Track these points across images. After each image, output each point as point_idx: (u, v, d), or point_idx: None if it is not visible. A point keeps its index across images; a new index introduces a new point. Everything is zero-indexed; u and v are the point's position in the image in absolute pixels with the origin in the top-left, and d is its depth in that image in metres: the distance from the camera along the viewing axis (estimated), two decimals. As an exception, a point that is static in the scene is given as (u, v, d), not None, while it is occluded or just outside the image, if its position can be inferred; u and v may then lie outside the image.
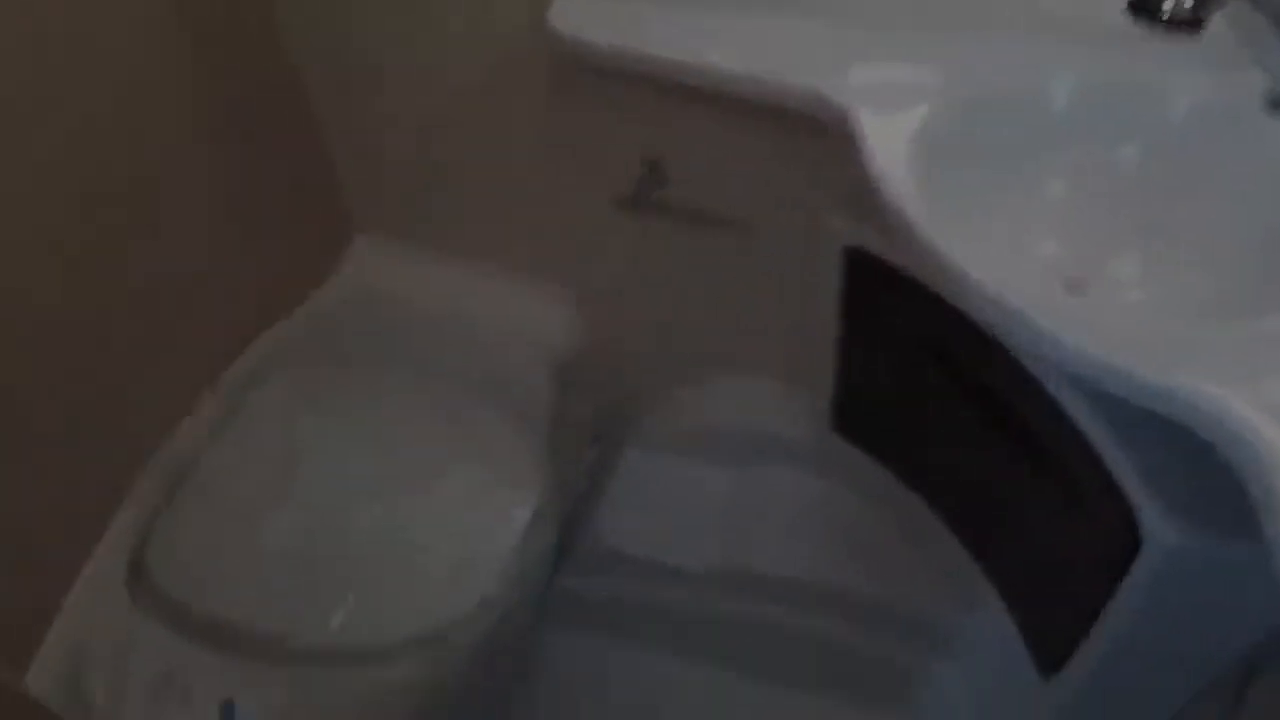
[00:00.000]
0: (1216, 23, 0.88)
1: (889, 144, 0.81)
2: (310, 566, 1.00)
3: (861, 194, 0.85)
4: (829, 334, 1.07)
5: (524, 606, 1.05)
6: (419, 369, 1.21)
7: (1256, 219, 0.78)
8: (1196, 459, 0.72)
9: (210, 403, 1.16)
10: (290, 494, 1.05)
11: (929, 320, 0.91)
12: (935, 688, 1.22)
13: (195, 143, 1.07)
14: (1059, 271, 0.83)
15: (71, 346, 0.96)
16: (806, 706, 1.31)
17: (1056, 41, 0.89)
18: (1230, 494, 0.69)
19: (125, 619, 0.98)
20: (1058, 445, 0.82)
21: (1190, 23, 0.88)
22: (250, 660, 0.95)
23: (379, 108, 1.21)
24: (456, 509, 1.05)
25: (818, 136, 0.95)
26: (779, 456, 1.27)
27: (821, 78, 0.87)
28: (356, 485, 1.06)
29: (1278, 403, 0.59)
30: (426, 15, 1.09)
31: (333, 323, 1.30)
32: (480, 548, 1.02)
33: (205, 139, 1.09)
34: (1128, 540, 0.74)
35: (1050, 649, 0.91)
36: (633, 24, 0.94)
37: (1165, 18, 0.88)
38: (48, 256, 0.91)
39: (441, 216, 1.31)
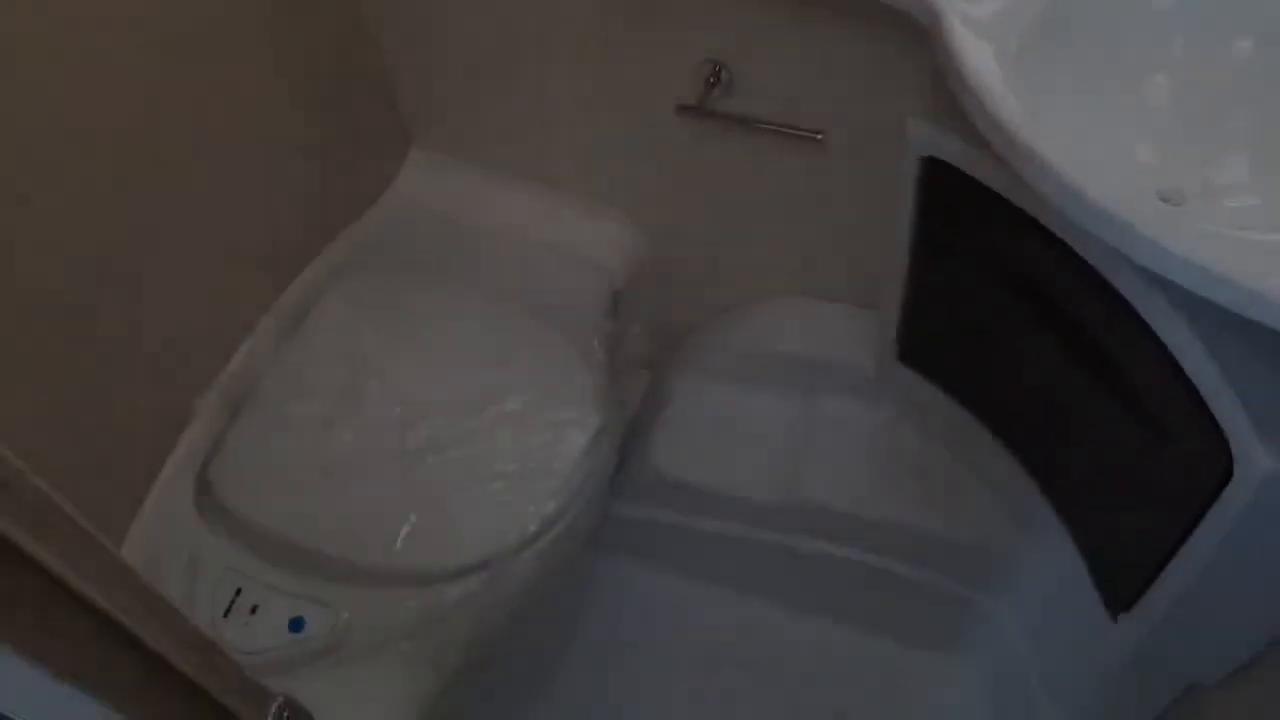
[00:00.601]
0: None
1: (977, 38, 0.76)
2: (372, 486, 1.01)
3: (942, 98, 0.80)
4: (899, 254, 1.03)
5: (581, 530, 1.04)
6: (474, 287, 1.20)
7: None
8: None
9: (271, 321, 1.16)
10: (350, 412, 1.05)
11: (1008, 237, 0.87)
12: (994, 626, 1.20)
13: (251, 58, 1.05)
14: (1157, 176, 0.78)
15: (134, 268, 0.96)
16: (861, 642, 1.30)
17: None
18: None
19: (194, 536, 1.00)
20: (1142, 367, 0.78)
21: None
22: (316, 578, 0.97)
23: (434, 16, 1.17)
24: (516, 429, 1.05)
25: (896, 34, 0.90)
26: (841, 384, 1.24)
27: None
28: (416, 404, 1.06)
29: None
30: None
31: (389, 239, 1.29)
32: (540, 469, 1.02)
33: (262, 54, 1.06)
34: (1216, 468, 0.71)
35: (1120, 587, 0.88)
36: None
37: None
38: (110, 174, 0.91)
39: (498, 131, 1.28)
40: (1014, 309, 0.93)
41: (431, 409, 1.05)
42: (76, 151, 0.87)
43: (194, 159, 1.00)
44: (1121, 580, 0.87)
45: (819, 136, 1.06)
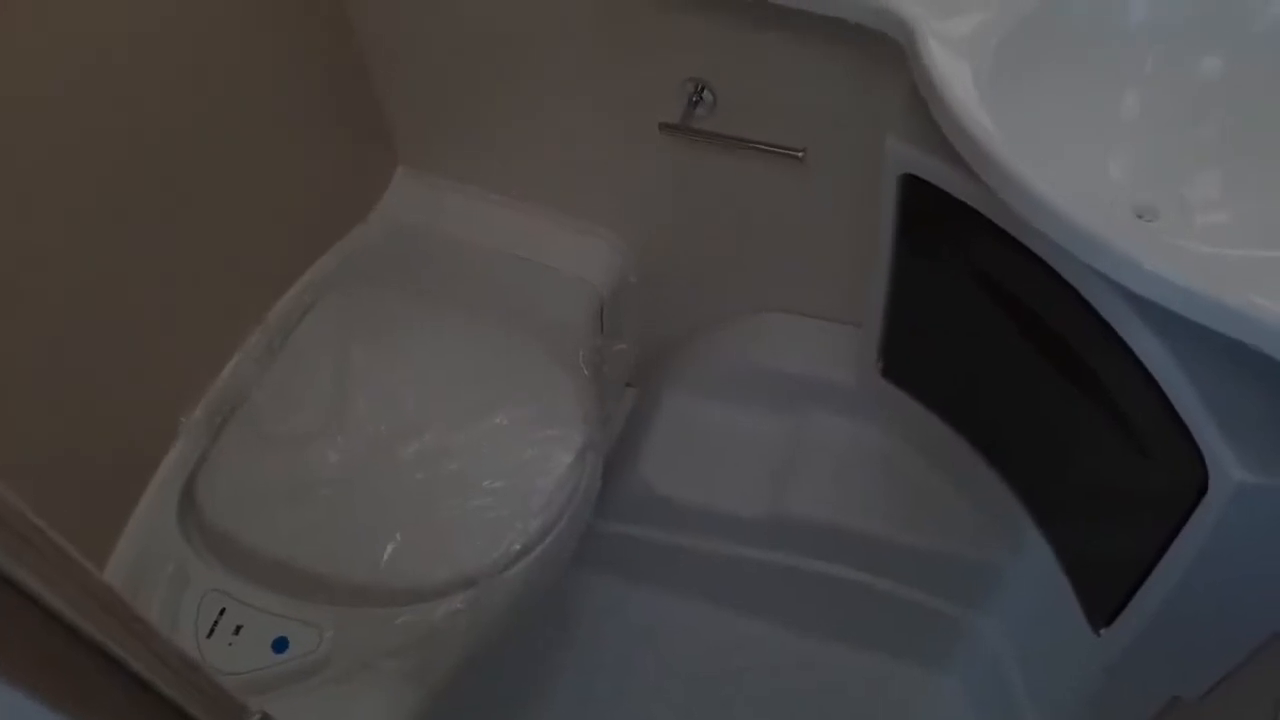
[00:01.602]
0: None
1: (953, 56, 0.77)
2: (358, 503, 1.01)
3: (920, 117, 0.81)
4: (881, 270, 1.03)
5: (567, 546, 1.05)
6: (462, 303, 1.20)
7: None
8: (1271, 394, 0.69)
9: (259, 337, 1.16)
10: (337, 428, 1.05)
11: (987, 254, 0.88)
12: (979, 641, 1.20)
13: (243, 84, 1.06)
14: (1131, 193, 0.79)
15: (122, 283, 0.96)
16: (848, 658, 1.30)
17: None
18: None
19: (178, 554, 1.00)
20: (1119, 382, 0.79)
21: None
22: (300, 596, 0.96)
23: (422, 37, 1.18)
24: (502, 445, 1.05)
25: (876, 53, 0.91)
26: (824, 400, 1.24)
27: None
28: (403, 420, 1.06)
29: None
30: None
31: (376, 256, 1.29)
32: (526, 486, 1.02)
33: (253, 78, 1.07)
34: (1192, 481, 0.71)
35: (1102, 601, 0.88)
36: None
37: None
38: (98, 193, 0.91)
39: (484, 149, 1.29)
40: (994, 325, 0.94)
41: (418, 425, 1.05)
42: (67, 166, 0.87)
43: (182, 176, 1.01)
44: (1102, 595, 0.88)
45: (800, 154, 1.07)
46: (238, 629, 0.94)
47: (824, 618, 1.30)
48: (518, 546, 0.98)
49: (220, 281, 1.11)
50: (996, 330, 0.93)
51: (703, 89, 1.08)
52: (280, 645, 0.93)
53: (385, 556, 0.97)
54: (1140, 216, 0.78)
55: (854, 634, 1.30)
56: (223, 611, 0.95)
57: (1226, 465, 0.67)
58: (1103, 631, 0.88)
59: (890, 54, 0.86)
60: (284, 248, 1.22)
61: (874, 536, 1.18)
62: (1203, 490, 0.70)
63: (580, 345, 1.19)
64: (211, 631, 0.94)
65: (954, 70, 0.77)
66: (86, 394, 0.94)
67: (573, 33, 1.09)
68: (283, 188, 1.17)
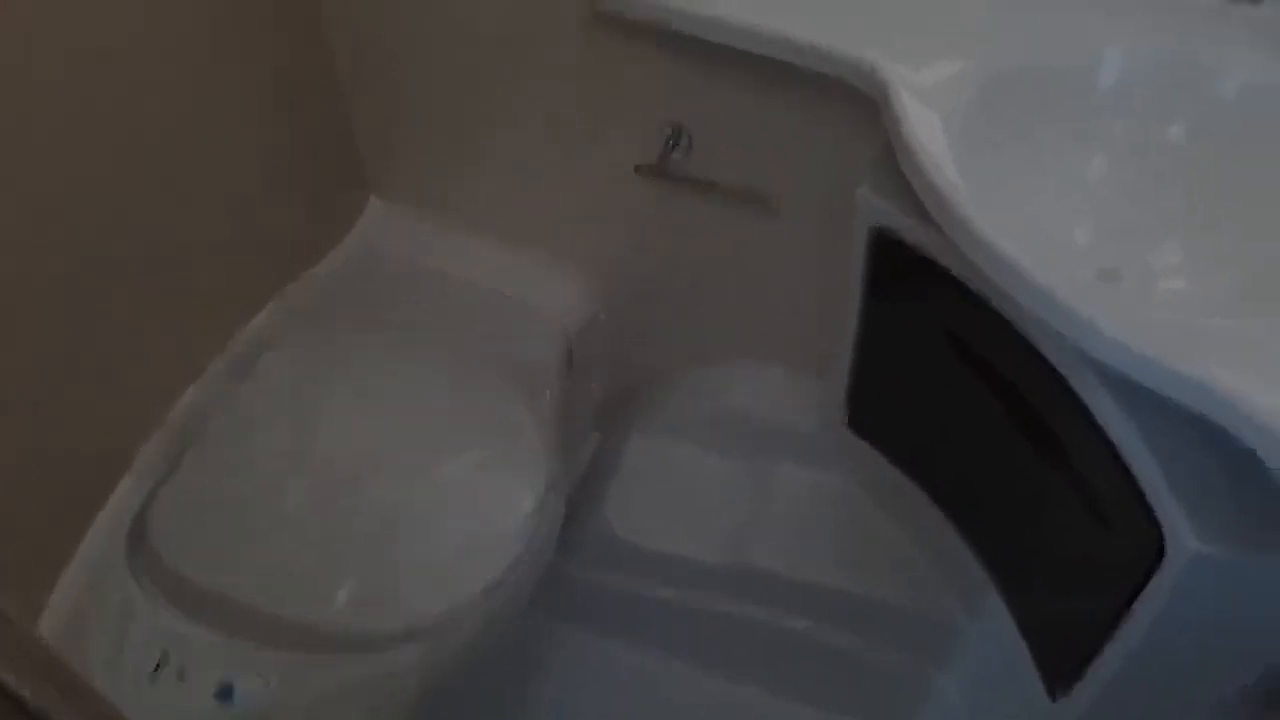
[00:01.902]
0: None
1: (926, 116, 0.78)
2: (315, 544, 0.99)
3: (892, 170, 0.82)
4: (850, 322, 1.03)
5: (525, 591, 1.03)
6: (429, 339, 1.19)
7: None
8: (1227, 464, 0.69)
9: (220, 366, 1.14)
10: (296, 466, 1.03)
11: (953, 313, 0.88)
12: (936, 701, 1.18)
13: (213, 104, 1.05)
14: (1095, 256, 0.79)
15: (79, 309, 0.94)
16: (806, 715, 1.28)
17: (1105, 12, 0.85)
18: (1263, 502, 0.66)
19: (124, 591, 0.97)
20: (1080, 448, 0.79)
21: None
22: (249, 641, 0.94)
23: (400, 69, 1.18)
24: (464, 489, 1.03)
25: (851, 106, 0.91)
26: (789, 450, 1.24)
27: (857, 45, 0.85)
28: (364, 458, 1.04)
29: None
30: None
31: (343, 289, 1.28)
32: (486, 530, 1.00)
33: (224, 99, 1.06)
34: (1149, 549, 0.71)
35: (1060, 667, 0.87)
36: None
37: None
38: (58, 218, 0.89)
39: (458, 183, 1.29)
40: (961, 382, 0.94)
41: (379, 465, 1.04)
42: (29, 186, 0.85)
43: (149, 197, 0.99)
44: (1060, 661, 0.87)
45: (774, 203, 1.07)
46: (181, 674, 0.92)
47: (781, 673, 1.28)
48: (477, 590, 0.97)
49: (181, 308, 1.09)
50: (962, 388, 0.93)
51: (680, 133, 1.08)
52: (225, 693, 0.90)
53: (340, 601, 0.95)
54: (1104, 280, 0.78)
55: (811, 691, 1.28)
56: (167, 654, 0.93)
57: (1183, 535, 0.66)
58: (1059, 699, 0.87)
59: (866, 106, 0.87)
60: (248, 276, 1.20)
61: (835, 590, 1.17)
62: (1160, 558, 0.70)
63: (547, 385, 1.18)
64: (155, 674, 0.91)
65: (924, 122, 0.77)
66: (36, 420, 0.92)
67: (552, 70, 1.09)
68: (249, 214, 1.16)
